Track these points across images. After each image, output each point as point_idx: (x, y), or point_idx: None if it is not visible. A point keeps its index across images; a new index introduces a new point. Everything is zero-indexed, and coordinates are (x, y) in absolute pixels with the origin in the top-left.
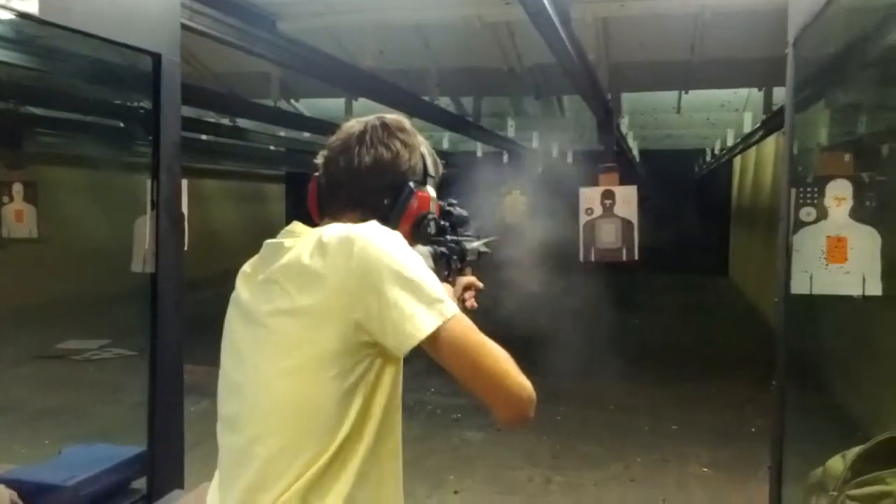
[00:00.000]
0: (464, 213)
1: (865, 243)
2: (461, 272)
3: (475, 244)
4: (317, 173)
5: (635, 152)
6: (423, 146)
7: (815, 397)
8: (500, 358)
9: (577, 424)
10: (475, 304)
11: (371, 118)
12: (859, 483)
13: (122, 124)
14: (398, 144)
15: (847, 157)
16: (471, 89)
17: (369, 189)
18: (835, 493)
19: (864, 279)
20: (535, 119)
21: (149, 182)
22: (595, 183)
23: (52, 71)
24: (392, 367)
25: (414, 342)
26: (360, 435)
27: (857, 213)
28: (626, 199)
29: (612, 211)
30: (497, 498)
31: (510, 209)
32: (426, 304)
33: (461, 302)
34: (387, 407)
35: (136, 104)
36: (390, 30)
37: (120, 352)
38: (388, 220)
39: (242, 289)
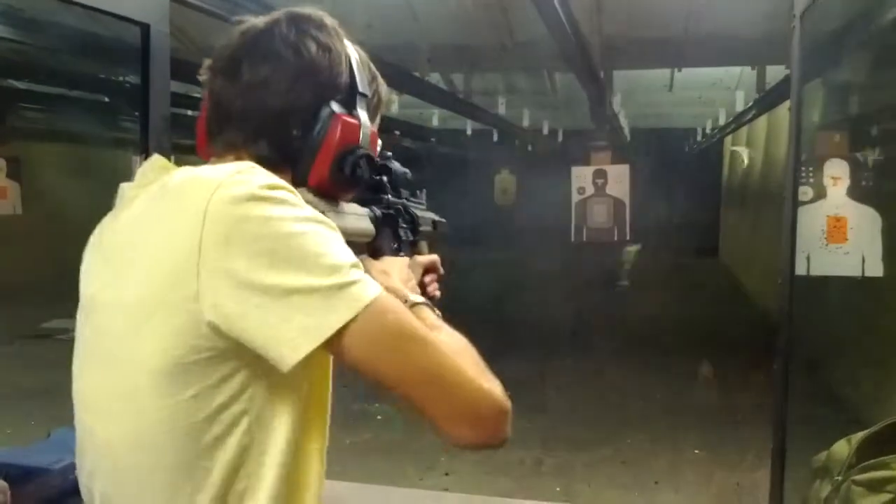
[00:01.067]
0: (404, 170)
1: (865, 223)
2: (415, 248)
3: (428, 213)
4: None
5: (626, 131)
6: (353, 53)
7: (808, 380)
8: (445, 351)
9: (567, 406)
10: (437, 293)
11: (278, 12)
12: (864, 468)
13: (107, 99)
14: (313, 47)
15: (840, 136)
16: (461, 65)
17: (268, 113)
18: (839, 479)
19: (863, 260)
20: (527, 96)
21: (135, 158)
22: (586, 162)
23: (37, 44)
24: (289, 388)
25: (300, 353)
26: (239, 497)
27: (856, 193)
28: (619, 178)
29: (604, 190)
30: (488, 479)
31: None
32: (322, 293)
33: (422, 288)
34: (287, 452)
35: (122, 78)
36: (380, 3)
37: None
38: (298, 159)
39: (85, 258)
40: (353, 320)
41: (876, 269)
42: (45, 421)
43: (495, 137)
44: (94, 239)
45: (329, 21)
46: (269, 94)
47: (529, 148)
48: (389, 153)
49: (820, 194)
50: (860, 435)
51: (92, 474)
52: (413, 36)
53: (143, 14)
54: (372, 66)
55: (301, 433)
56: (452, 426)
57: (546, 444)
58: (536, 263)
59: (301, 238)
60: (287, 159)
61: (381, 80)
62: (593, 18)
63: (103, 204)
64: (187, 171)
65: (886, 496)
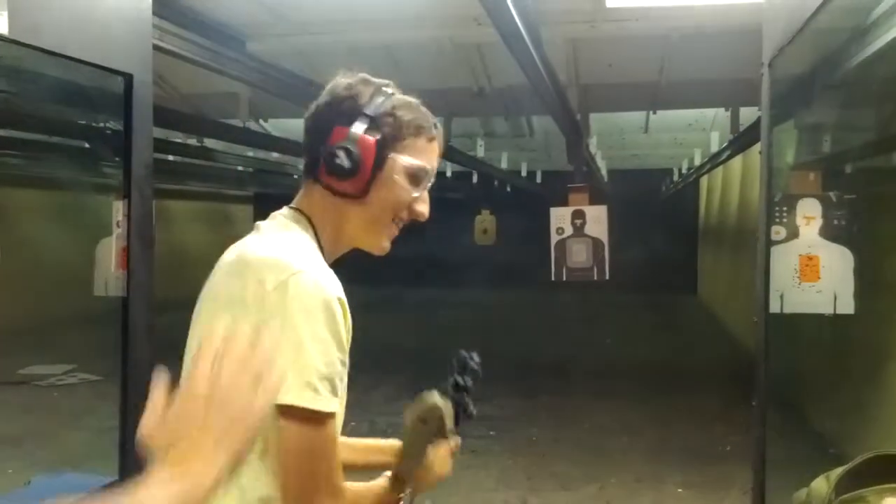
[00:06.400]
0: (477, 369)
1: (837, 262)
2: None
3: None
4: None
5: (604, 172)
6: (379, 96)
7: (785, 416)
8: (318, 485)
9: (550, 445)
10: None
11: None
12: (842, 502)
13: (86, 145)
14: (342, 91)
15: (813, 175)
16: (441, 110)
17: (313, 136)
18: None
19: (835, 297)
20: (505, 140)
21: (113, 204)
22: (565, 203)
23: (16, 92)
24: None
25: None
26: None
27: (828, 232)
28: (597, 219)
29: (583, 230)
30: None
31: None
32: (309, 378)
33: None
34: None
35: (102, 125)
36: (360, 50)
37: (85, 377)
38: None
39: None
40: (295, 408)
41: (847, 306)
42: (24, 468)
43: (475, 179)
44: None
45: (376, 80)
46: (312, 123)
47: (508, 189)
48: (476, 356)
49: (793, 234)
50: (838, 471)
51: None
52: (394, 82)
53: (126, 65)
54: (404, 106)
55: None
56: None
57: (530, 483)
58: (517, 302)
59: (320, 345)
60: (311, 175)
61: (409, 116)
62: (570, 63)
63: (83, 250)
64: (291, 240)
65: None
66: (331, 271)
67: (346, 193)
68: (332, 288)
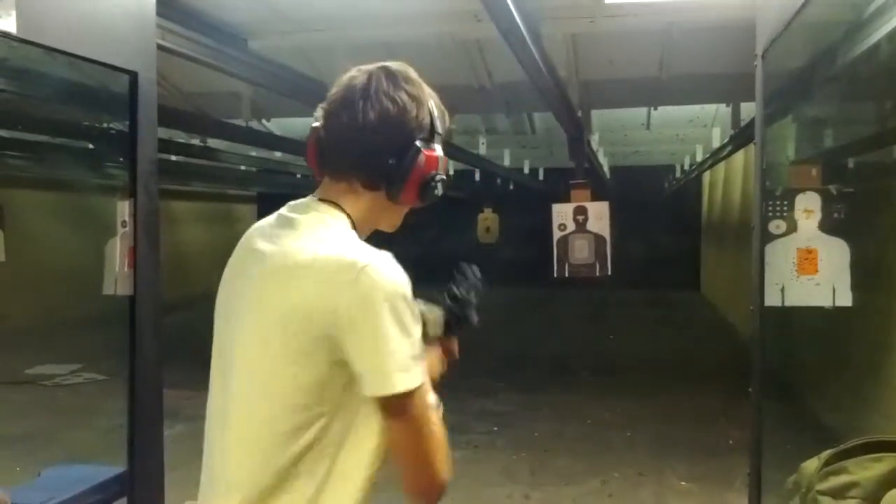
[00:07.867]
0: (475, 280)
1: (835, 255)
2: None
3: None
4: (316, 124)
5: (606, 169)
6: (430, 99)
7: (789, 408)
8: (435, 447)
9: (554, 439)
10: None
11: (374, 67)
12: (825, 475)
13: (91, 146)
14: (404, 97)
15: (815, 170)
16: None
17: (374, 148)
18: (804, 490)
19: (834, 290)
20: (507, 137)
21: (119, 203)
22: (567, 199)
23: (20, 92)
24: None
25: (386, 392)
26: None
27: (826, 225)
28: (599, 215)
29: (585, 227)
30: None
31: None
32: (405, 363)
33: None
34: (341, 454)
35: (106, 125)
36: (361, 48)
37: (91, 376)
38: (393, 182)
39: (240, 257)
40: (413, 391)
41: (845, 298)
42: (31, 466)
43: (477, 177)
44: (246, 240)
45: (414, 75)
46: (372, 134)
47: (511, 186)
48: (477, 273)
49: (792, 227)
50: (829, 451)
51: (221, 453)
52: None
53: (130, 62)
54: (443, 107)
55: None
56: (412, 489)
57: (534, 477)
58: (521, 299)
59: (410, 321)
60: (382, 183)
61: (447, 117)
62: (570, 60)
63: (89, 250)
64: (346, 248)
65: (852, 502)
66: (390, 255)
67: (403, 202)
68: (398, 274)
